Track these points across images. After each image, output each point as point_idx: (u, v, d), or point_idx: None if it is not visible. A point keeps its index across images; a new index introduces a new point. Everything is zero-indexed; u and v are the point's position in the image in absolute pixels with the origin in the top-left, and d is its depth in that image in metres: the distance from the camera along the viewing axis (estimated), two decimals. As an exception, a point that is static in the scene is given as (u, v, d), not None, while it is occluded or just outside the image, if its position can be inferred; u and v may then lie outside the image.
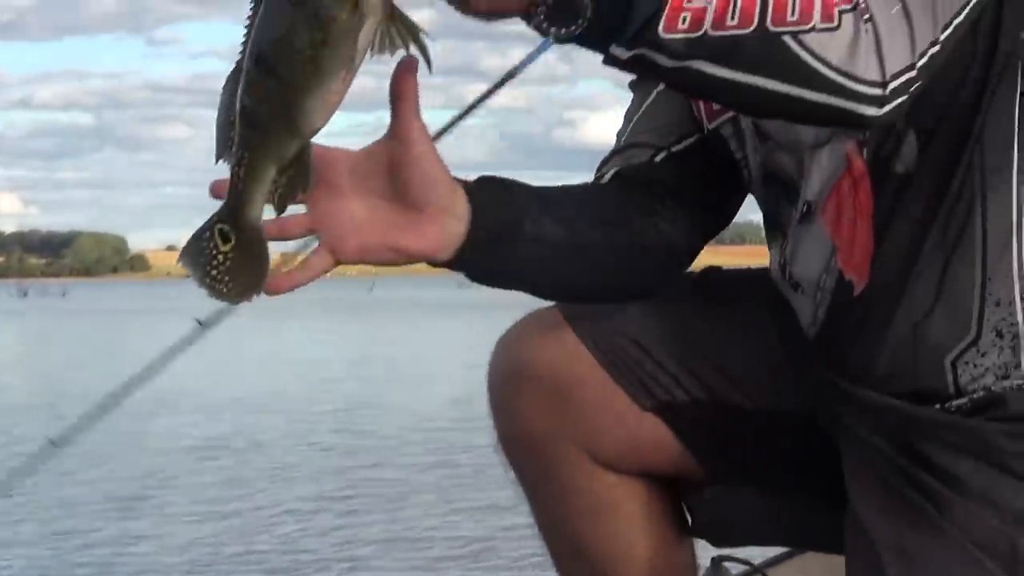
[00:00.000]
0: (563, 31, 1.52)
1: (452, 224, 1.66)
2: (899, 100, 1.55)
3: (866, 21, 1.52)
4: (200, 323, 3.64)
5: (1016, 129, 1.73)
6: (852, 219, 1.77)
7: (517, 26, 1.59)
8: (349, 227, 1.63)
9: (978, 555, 1.73)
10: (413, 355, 21.68)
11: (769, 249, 1.95)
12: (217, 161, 1.53)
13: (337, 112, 1.54)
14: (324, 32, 1.45)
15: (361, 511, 7.78)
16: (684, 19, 1.51)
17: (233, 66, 1.53)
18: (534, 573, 6.06)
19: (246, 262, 1.54)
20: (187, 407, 13.54)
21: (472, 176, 1.75)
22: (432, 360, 20.91)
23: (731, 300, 1.99)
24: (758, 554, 2.39)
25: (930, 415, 1.77)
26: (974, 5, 1.62)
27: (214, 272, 1.54)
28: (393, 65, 1.56)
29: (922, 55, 1.56)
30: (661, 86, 1.95)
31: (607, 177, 1.95)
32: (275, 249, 1.58)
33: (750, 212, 2.07)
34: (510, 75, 3.34)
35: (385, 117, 1.65)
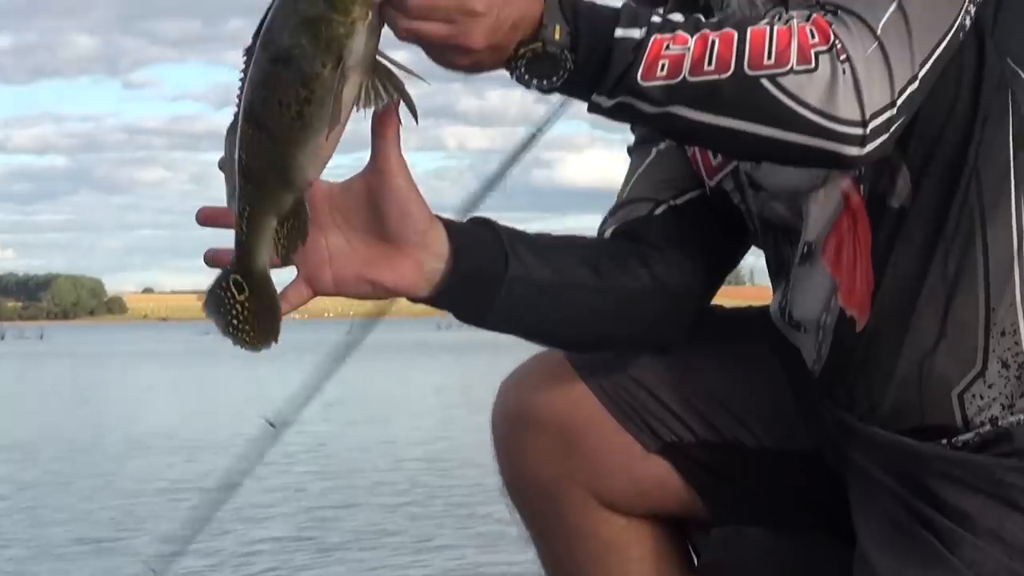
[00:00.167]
0: (545, 82, 1.55)
1: (430, 260, 1.67)
2: (881, 138, 1.55)
3: (843, 61, 1.52)
4: (272, 424, 3.69)
5: (1011, 158, 1.71)
6: (852, 255, 1.76)
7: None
8: (325, 259, 1.65)
9: None
10: (388, 395, 21.64)
11: (773, 291, 1.94)
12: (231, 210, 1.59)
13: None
14: (309, 89, 1.50)
15: (333, 550, 7.76)
16: (663, 66, 1.53)
17: (232, 119, 1.57)
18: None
19: (262, 309, 1.60)
20: (160, 448, 13.49)
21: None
22: (407, 400, 20.87)
23: (734, 339, 1.97)
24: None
25: (937, 452, 1.75)
26: (951, 39, 1.61)
27: (235, 322, 1.61)
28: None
29: (901, 92, 1.56)
30: (661, 147, 1.97)
31: (607, 235, 1.95)
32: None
33: (749, 254, 2.06)
34: (533, 136, 3.36)
35: (363, 158, 1.67)
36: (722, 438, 1.94)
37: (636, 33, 1.55)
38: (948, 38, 1.62)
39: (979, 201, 1.72)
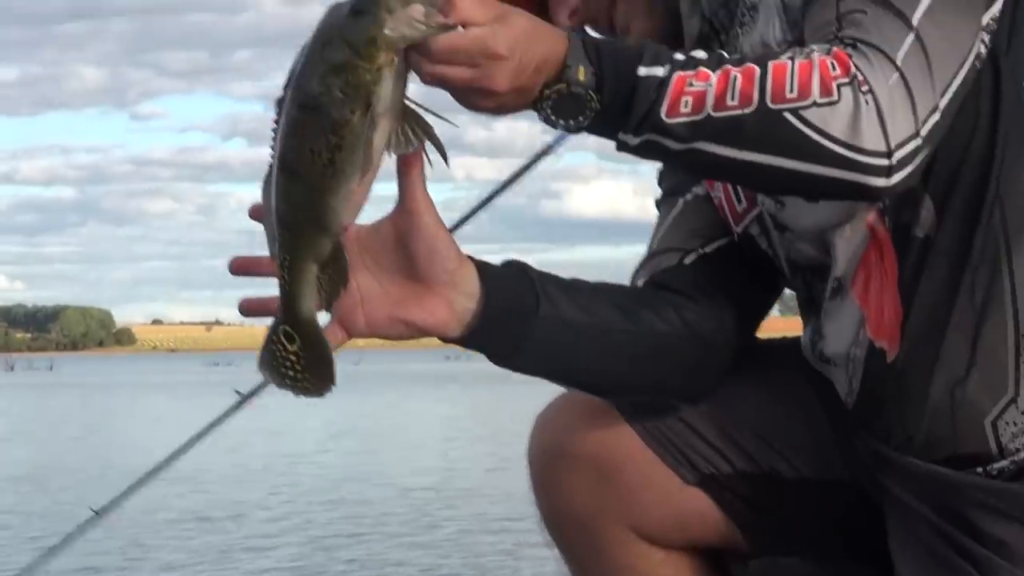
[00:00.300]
0: (572, 123, 1.58)
1: (460, 300, 1.69)
2: (907, 169, 1.57)
3: (865, 93, 1.54)
4: (240, 393, 3.71)
5: None
6: (879, 287, 1.77)
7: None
8: (357, 301, 1.66)
9: None
10: (396, 426, 21.67)
11: (803, 327, 1.95)
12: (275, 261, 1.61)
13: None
14: (339, 136, 1.53)
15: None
16: (686, 103, 1.56)
17: (267, 170, 1.59)
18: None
19: (314, 355, 1.62)
20: (168, 479, 13.54)
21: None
22: (414, 430, 20.90)
23: (770, 370, 1.98)
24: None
25: (973, 481, 1.76)
26: (969, 67, 1.64)
27: (291, 372, 1.62)
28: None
29: (924, 122, 1.58)
30: (688, 197, 1.99)
31: (638, 285, 1.96)
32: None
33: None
34: (542, 153, 3.41)
35: (381, 190, 1.68)
36: (760, 469, 1.94)
37: (659, 71, 1.56)
38: (966, 66, 1.63)
39: (1003, 227, 1.72)
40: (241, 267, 1.70)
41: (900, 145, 1.56)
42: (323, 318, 1.66)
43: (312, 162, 1.54)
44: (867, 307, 1.79)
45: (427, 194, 1.66)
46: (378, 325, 1.67)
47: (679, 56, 1.59)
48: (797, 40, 1.71)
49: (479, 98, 1.56)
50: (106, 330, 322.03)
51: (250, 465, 15.08)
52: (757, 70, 1.55)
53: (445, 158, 1.58)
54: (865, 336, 1.79)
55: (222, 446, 18.02)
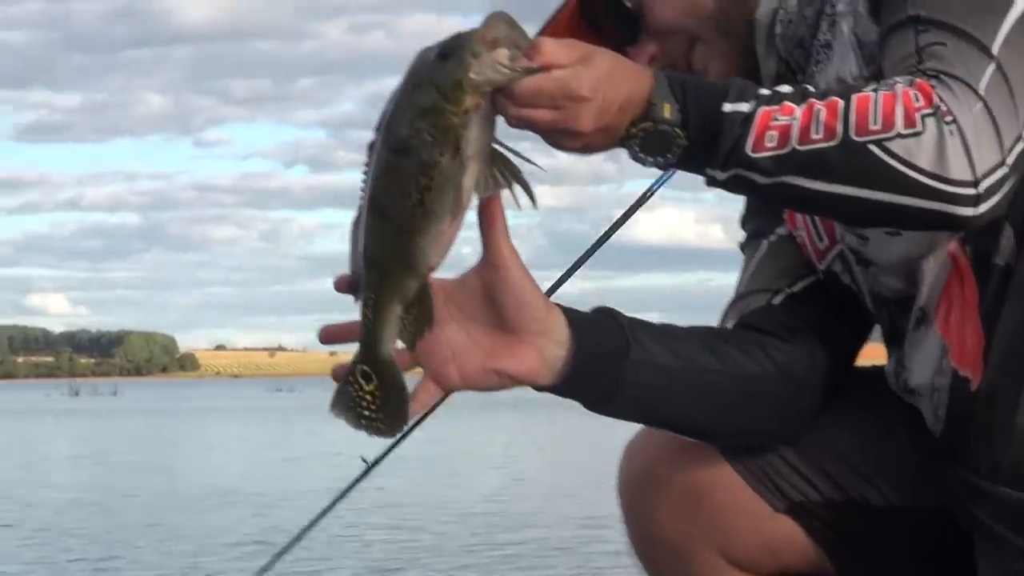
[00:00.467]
0: (660, 159, 1.60)
1: (551, 348, 1.70)
2: (995, 198, 1.57)
3: (950, 123, 1.55)
4: (365, 461, 3.76)
5: None
6: (960, 315, 1.78)
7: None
8: (448, 356, 1.67)
9: None
10: (454, 452, 21.71)
11: (887, 358, 1.95)
12: (356, 301, 1.63)
13: None
14: (428, 177, 1.54)
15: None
16: (771, 137, 1.57)
17: (355, 211, 1.61)
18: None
19: (391, 396, 1.63)
20: (231, 503, 13.64)
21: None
22: (473, 457, 20.93)
23: (857, 397, 1.98)
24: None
25: None
26: None
27: (366, 413, 1.64)
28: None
29: (1010, 150, 1.58)
30: (772, 239, 2.01)
31: (729, 327, 1.97)
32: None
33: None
34: (640, 201, 3.48)
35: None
36: (848, 496, 1.94)
37: (744, 107, 1.58)
38: None
39: None
40: (331, 336, 1.70)
41: (987, 174, 1.56)
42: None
43: (402, 203, 1.56)
44: (949, 336, 1.79)
45: (511, 245, 1.67)
46: (471, 378, 1.69)
47: (764, 91, 1.61)
48: (874, 75, 1.72)
49: (565, 139, 1.59)
50: (169, 355, 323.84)
51: (313, 489, 15.17)
52: (841, 103, 1.57)
53: (533, 200, 1.59)
54: (949, 365, 1.80)
55: (285, 471, 18.15)
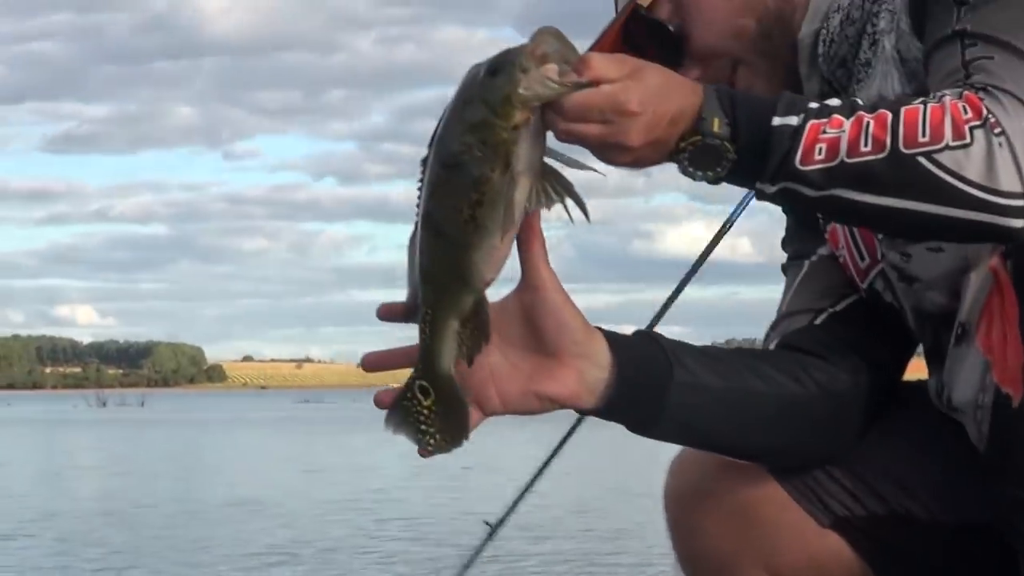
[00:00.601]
0: (710, 173, 1.61)
1: (592, 371, 1.71)
2: None
3: (999, 135, 1.55)
4: (489, 524, 3.77)
5: None
6: (1001, 331, 1.77)
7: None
8: (488, 380, 1.68)
9: None
10: (485, 466, 21.69)
11: (929, 375, 1.95)
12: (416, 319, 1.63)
13: None
14: (480, 192, 1.55)
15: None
16: (820, 150, 1.57)
17: (411, 227, 1.62)
18: None
19: (449, 411, 1.65)
20: (256, 514, 13.63)
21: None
22: (505, 470, 20.90)
23: (902, 412, 1.98)
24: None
25: None
26: None
27: (424, 427, 1.65)
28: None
29: None
30: (813, 259, 2.02)
31: (771, 348, 1.98)
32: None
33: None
34: (724, 230, 3.42)
35: None
36: (894, 512, 1.94)
37: (793, 120, 1.59)
38: None
39: None
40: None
41: None
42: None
43: (454, 219, 1.57)
44: (991, 352, 1.78)
45: (550, 269, 1.68)
46: (512, 401, 1.69)
47: (813, 104, 1.61)
48: (916, 92, 1.72)
49: (615, 153, 1.59)
50: (197, 367, 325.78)
51: (339, 502, 15.14)
52: (889, 115, 1.57)
53: (586, 214, 1.59)
54: (991, 382, 1.79)
55: (307, 480, 18.17)
